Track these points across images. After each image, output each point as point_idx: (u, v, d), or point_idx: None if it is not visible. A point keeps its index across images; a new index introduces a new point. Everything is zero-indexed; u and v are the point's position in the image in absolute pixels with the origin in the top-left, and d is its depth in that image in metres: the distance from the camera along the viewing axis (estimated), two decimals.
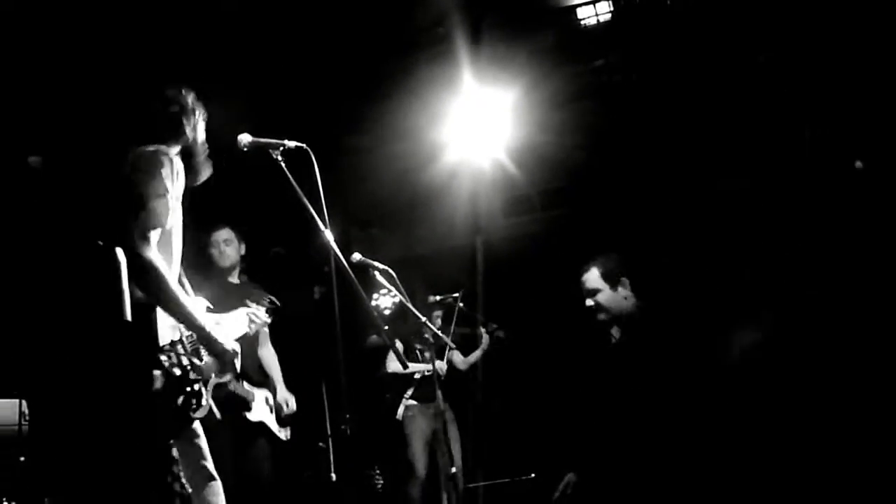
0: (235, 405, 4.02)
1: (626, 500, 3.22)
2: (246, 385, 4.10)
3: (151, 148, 2.32)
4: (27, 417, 4.12)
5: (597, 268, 3.52)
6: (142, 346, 2.00)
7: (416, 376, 5.44)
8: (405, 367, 3.99)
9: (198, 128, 2.57)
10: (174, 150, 2.43)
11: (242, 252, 4.50)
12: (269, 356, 4.51)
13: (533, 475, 5.44)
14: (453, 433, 5.36)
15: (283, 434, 4.34)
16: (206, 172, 2.63)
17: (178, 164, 2.37)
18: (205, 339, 2.25)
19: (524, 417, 5.99)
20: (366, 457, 5.77)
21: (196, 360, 2.20)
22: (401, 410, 5.52)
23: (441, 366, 5.35)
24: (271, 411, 4.27)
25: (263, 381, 4.32)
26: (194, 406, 2.14)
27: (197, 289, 4.16)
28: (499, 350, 5.90)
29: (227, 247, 4.36)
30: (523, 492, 5.40)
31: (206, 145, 2.62)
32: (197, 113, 2.56)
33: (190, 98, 2.56)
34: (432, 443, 5.43)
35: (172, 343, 2.13)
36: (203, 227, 4.37)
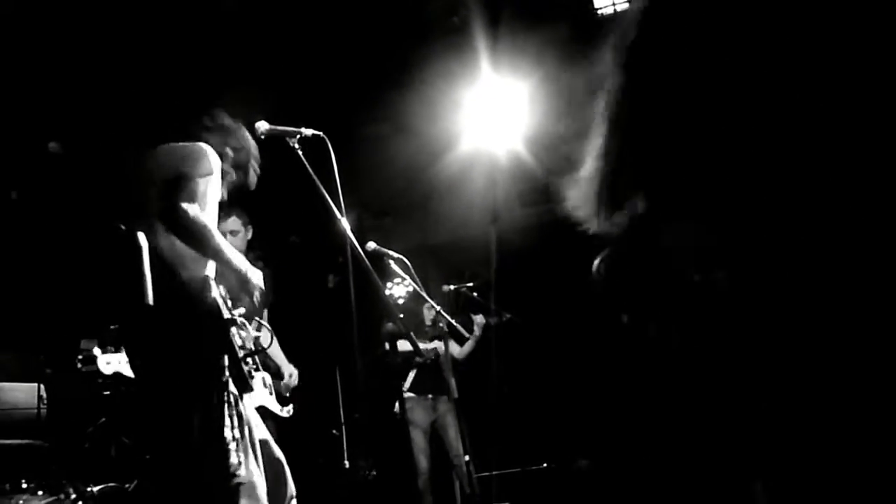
0: None
1: (638, 487, 3.23)
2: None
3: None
4: (45, 402, 4.16)
5: None
6: (213, 324, 2.26)
7: (417, 360, 5.37)
8: (418, 352, 3.97)
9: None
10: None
11: (249, 237, 4.45)
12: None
13: (545, 465, 5.44)
14: (451, 421, 5.36)
15: (285, 412, 4.35)
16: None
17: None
18: (242, 279, 2.49)
19: (537, 407, 5.99)
20: (365, 449, 5.79)
21: (244, 332, 2.50)
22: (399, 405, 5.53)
23: (439, 346, 5.24)
24: (270, 392, 4.28)
25: (261, 363, 4.34)
26: (251, 372, 2.45)
27: None
28: (508, 335, 5.80)
29: (233, 238, 4.27)
30: (535, 481, 5.40)
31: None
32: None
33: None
34: (433, 434, 5.44)
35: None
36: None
